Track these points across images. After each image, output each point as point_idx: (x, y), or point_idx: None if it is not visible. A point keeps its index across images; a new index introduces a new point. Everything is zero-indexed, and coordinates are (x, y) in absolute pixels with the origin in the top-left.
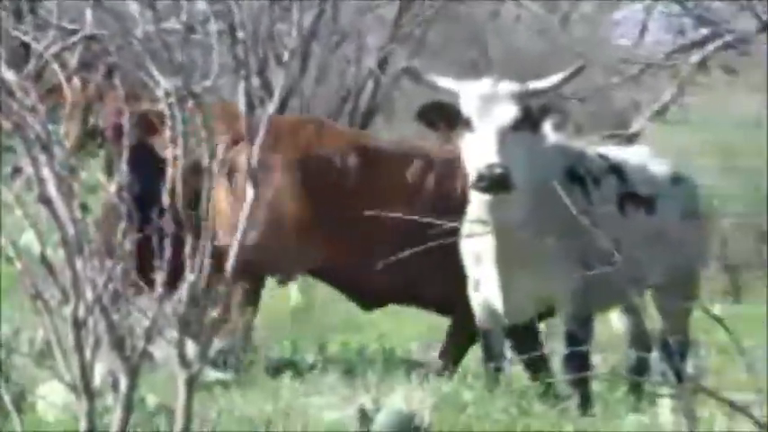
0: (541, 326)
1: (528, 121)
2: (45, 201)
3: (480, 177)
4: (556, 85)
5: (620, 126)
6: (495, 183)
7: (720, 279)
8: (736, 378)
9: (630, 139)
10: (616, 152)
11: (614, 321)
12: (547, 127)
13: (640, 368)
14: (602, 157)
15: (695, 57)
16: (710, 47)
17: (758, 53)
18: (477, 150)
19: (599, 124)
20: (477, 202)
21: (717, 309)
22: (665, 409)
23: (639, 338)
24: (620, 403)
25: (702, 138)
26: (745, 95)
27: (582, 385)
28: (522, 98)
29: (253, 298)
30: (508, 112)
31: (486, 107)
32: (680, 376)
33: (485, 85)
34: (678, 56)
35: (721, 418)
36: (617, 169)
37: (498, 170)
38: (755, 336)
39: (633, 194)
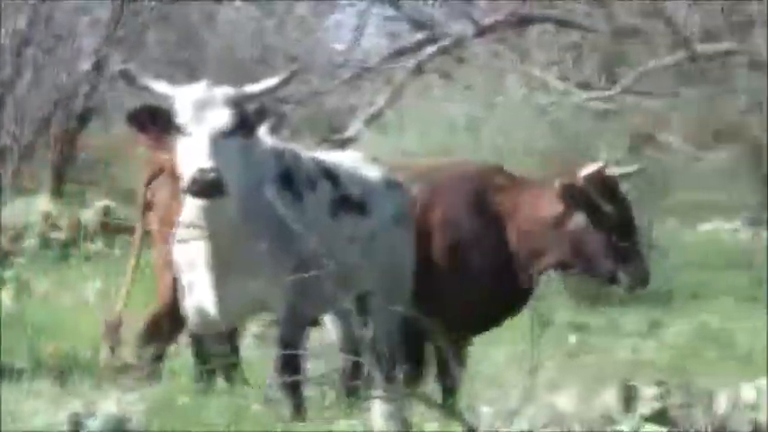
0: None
1: (243, 125)
2: None
3: (193, 182)
4: (271, 89)
5: (335, 130)
6: (208, 187)
7: None
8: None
9: (345, 144)
10: (329, 156)
11: (328, 326)
12: (262, 131)
13: (354, 373)
14: (315, 161)
15: (411, 61)
16: (426, 51)
17: (473, 57)
18: (191, 155)
19: (314, 128)
20: (191, 207)
21: None
22: (376, 413)
23: (352, 343)
24: (333, 408)
25: (418, 142)
26: (461, 99)
27: (295, 390)
28: (236, 102)
29: None
30: (222, 117)
31: (200, 111)
32: (391, 381)
33: (199, 89)
34: (394, 60)
35: (431, 424)
36: (330, 174)
37: (211, 175)
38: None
39: (346, 199)
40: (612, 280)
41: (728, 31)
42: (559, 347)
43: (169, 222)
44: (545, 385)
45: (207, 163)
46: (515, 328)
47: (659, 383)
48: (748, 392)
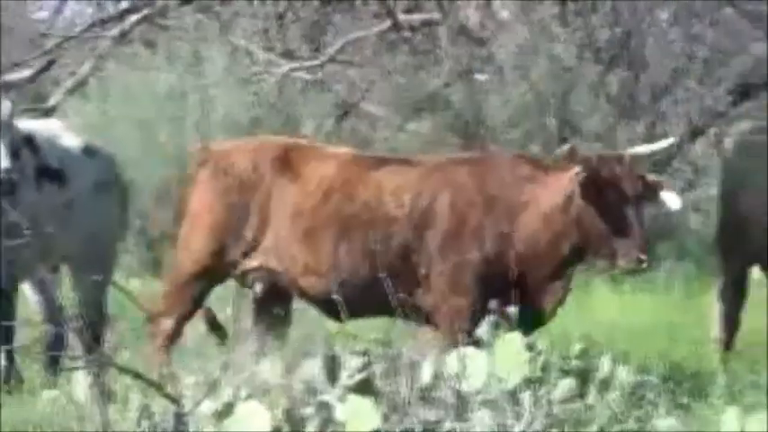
0: None
1: None
2: None
3: None
4: (31, 77)
5: (38, 100)
6: None
7: (140, 253)
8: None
9: (48, 113)
10: (27, 125)
11: (30, 295)
12: None
13: (56, 344)
14: (15, 130)
15: (115, 30)
16: (130, 19)
17: (178, 27)
18: None
19: (20, 98)
20: None
21: (136, 284)
22: (79, 384)
23: (53, 313)
24: (36, 378)
25: (122, 111)
26: (166, 68)
27: (8, 359)
28: None
29: None
30: None
31: None
32: (91, 351)
33: None
34: (97, 29)
35: (137, 391)
36: (29, 141)
37: None
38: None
39: (45, 167)
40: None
41: (434, 0)
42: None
43: (207, 204)
44: (249, 356)
45: None
46: (220, 299)
47: (363, 353)
48: (452, 363)
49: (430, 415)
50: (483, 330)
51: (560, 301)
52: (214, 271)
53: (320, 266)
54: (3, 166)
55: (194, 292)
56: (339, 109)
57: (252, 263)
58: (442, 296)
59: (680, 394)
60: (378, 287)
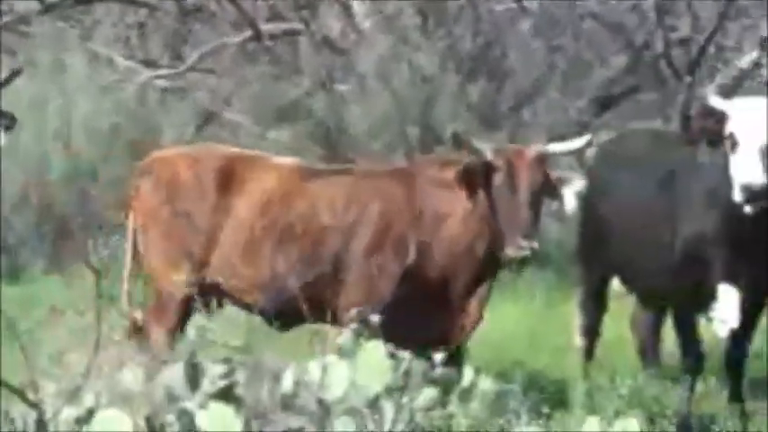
0: None
1: None
2: None
3: None
4: None
5: None
6: None
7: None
8: (13, 360)
9: None
10: None
11: None
12: None
13: None
14: None
15: None
16: None
17: (38, 34)
18: None
19: None
20: None
21: None
22: None
23: None
24: None
25: None
26: (25, 76)
27: None
28: None
29: None
30: None
31: None
32: None
33: None
34: None
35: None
36: None
37: None
38: (30, 316)
39: None
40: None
41: (295, 9)
42: (123, 323)
43: (151, 215)
44: (110, 362)
45: None
46: (78, 305)
47: (225, 360)
48: (315, 370)
49: (292, 422)
50: (345, 338)
51: (477, 320)
52: (181, 285)
53: (261, 280)
54: None
55: (173, 306)
56: (200, 117)
57: (206, 280)
58: (356, 300)
59: (541, 403)
60: (312, 298)
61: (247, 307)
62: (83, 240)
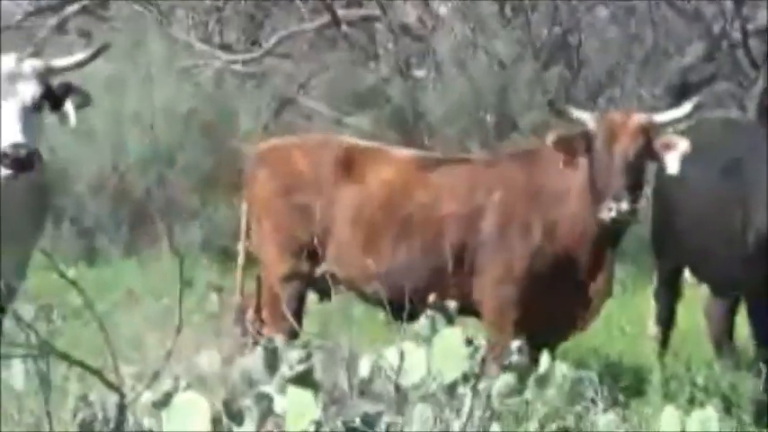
0: None
1: (49, 98)
2: None
3: (5, 156)
4: (79, 63)
5: None
6: (22, 162)
7: (75, 242)
8: (92, 341)
9: None
10: None
11: None
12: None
13: None
14: None
15: (52, 19)
16: (68, 10)
17: (115, 17)
18: (1, 128)
19: None
20: None
21: (71, 272)
22: (17, 372)
23: None
24: None
25: None
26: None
27: None
28: (44, 75)
29: None
30: (31, 90)
31: (10, 84)
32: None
33: (9, 61)
34: (35, 18)
35: (75, 381)
36: None
37: (23, 150)
38: (106, 299)
39: None
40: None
41: None
42: (201, 307)
43: (266, 205)
44: (187, 346)
45: (20, 137)
46: (155, 289)
47: (303, 345)
48: (392, 356)
49: (369, 408)
50: (422, 325)
51: (606, 294)
52: (295, 276)
53: (382, 270)
54: (14, 140)
55: (288, 299)
56: (276, 102)
57: (320, 270)
58: (491, 287)
59: (618, 391)
60: (435, 286)
61: (367, 297)
62: (159, 226)
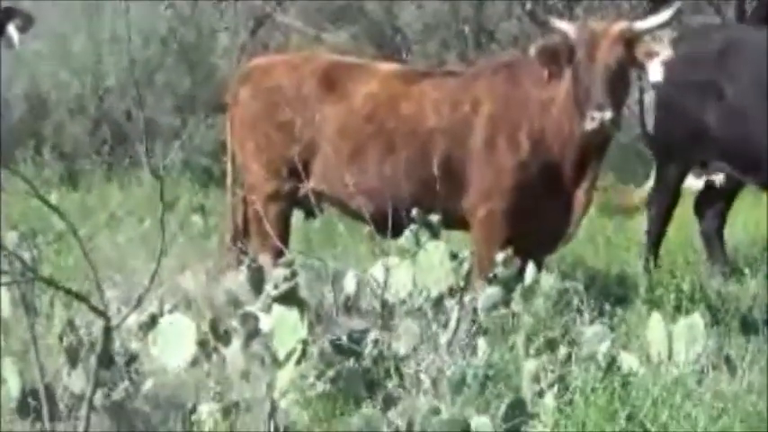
0: None
1: None
2: None
3: None
4: None
5: None
6: None
7: (56, 167)
8: (76, 266)
9: None
10: None
11: None
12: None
13: None
14: None
15: None
16: None
17: None
18: None
19: None
20: None
21: (53, 197)
22: (3, 299)
23: None
24: None
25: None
26: None
27: None
28: None
29: None
30: None
31: None
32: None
33: None
34: None
35: (60, 306)
36: None
37: None
38: (89, 223)
39: None
40: None
41: None
42: (184, 229)
43: (251, 123)
44: (171, 268)
45: None
46: (137, 211)
47: (287, 263)
48: (377, 273)
49: (355, 324)
50: (405, 239)
51: (587, 204)
52: (280, 195)
53: (368, 185)
54: None
55: (274, 219)
56: (253, 21)
57: (305, 187)
58: (479, 200)
59: (603, 300)
60: (422, 200)
61: (352, 213)
62: (140, 147)
